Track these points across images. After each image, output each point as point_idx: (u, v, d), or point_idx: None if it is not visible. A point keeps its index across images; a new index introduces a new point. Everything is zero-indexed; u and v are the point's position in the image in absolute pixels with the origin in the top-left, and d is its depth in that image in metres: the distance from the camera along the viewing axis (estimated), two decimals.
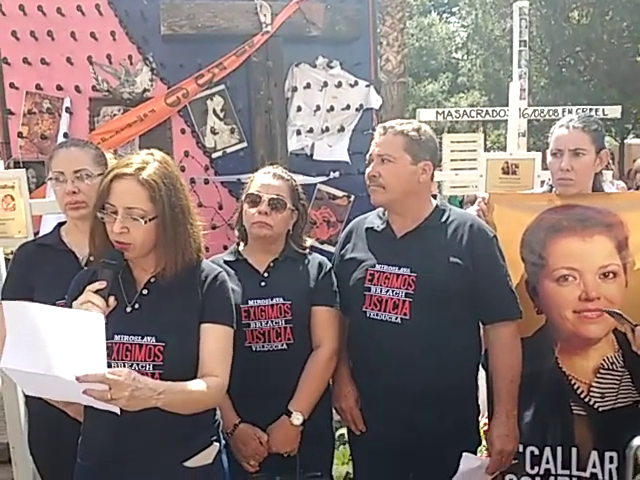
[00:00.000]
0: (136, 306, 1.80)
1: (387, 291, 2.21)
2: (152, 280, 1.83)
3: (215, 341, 1.80)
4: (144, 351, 1.74)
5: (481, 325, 2.31)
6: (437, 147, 2.30)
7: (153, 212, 1.73)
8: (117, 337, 1.74)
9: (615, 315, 2.14)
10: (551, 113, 5.53)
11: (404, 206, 2.25)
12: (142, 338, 1.75)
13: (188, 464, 1.81)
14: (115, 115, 3.54)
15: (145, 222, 1.72)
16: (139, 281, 1.83)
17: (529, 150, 6.44)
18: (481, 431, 2.42)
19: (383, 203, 2.26)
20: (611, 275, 2.35)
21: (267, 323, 2.21)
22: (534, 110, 5.60)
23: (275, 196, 2.24)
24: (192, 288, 1.83)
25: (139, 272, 1.84)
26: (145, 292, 1.82)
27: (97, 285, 1.70)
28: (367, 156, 2.29)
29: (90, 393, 1.47)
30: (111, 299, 1.72)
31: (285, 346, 2.21)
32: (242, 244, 2.37)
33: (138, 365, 1.71)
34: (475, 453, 2.34)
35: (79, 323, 1.53)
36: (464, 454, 2.19)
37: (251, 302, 2.22)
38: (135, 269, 1.84)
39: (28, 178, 2.83)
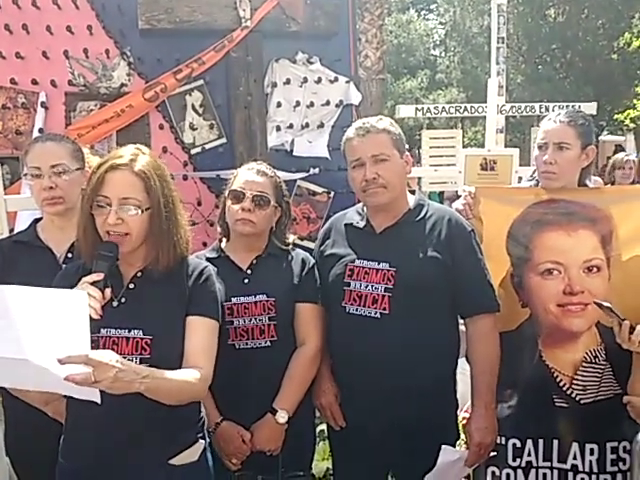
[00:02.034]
0: (122, 300, 1.80)
1: (366, 286, 2.22)
2: (138, 274, 1.83)
3: (200, 334, 1.79)
4: (131, 344, 1.73)
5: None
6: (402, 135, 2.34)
7: (147, 203, 1.74)
8: (104, 331, 1.74)
9: (604, 307, 2.16)
10: (528, 110, 5.59)
11: (395, 202, 2.26)
12: (129, 332, 1.74)
13: (174, 462, 1.80)
14: (92, 110, 3.47)
15: (142, 212, 1.73)
16: (125, 275, 1.83)
17: (506, 146, 6.49)
18: (460, 425, 2.43)
19: (386, 203, 2.24)
20: (595, 269, 2.37)
21: (250, 320, 2.20)
22: (512, 107, 5.66)
23: (259, 193, 2.22)
24: (178, 282, 1.83)
25: (125, 267, 1.83)
26: (132, 286, 1.82)
27: (94, 277, 1.69)
28: (352, 160, 2.26)
29: (72, 378, 1.43)
30: (107, 291, 1.71)
31: (269, 343, 2.20)
32: (224, 240, 2.35)
33: (125, 359, 1.68)
34: (454, 447, 2.36)
35: (60, 303, 1.49)
36: (443, 447, 2.20)
37: (234, 299, 2.20)
38: (122, 264, 1.82)
39: (2, 174, 2.77)
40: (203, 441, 1.90)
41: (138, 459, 1.74)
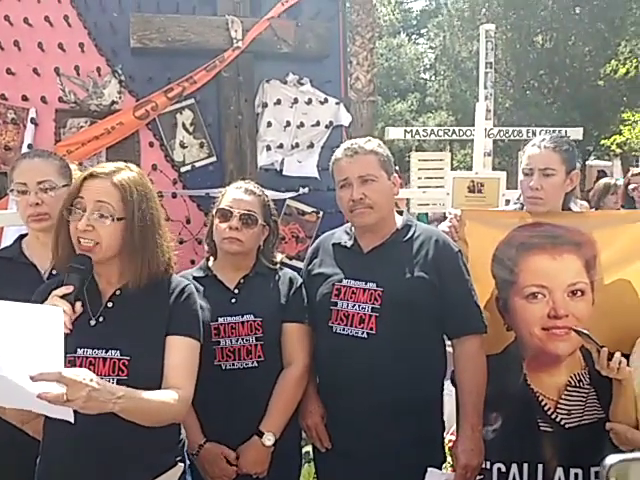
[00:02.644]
0: (100, 319, 1.76)
1: (353, 306, 2.22)
2: (117, 293, 1.79)
3: (180, 354, 1.76)
4: (108, 365, 1.70)
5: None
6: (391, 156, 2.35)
7: (122, 213, 1.72)
8: (80, 351, 1.71)
9: (582, 335, 2.17)
10: (515, 133, 5.64)
11: (383, 222, 2.26)
12: (106, 352, 1.71)
13: None
14: (82, 127, 3.47)
15: (113, 220, 1.70)
16: (104, 294, 1.80)
17: (494, 170, 6.55)
18: (446, 447, 2.42)
19: (372, 223, 2.25)
20: (579, 293, 2.39)
21: (237, 341, 2.18)
22: (499, 130, 5.71)
23: (246, 212, 2.22)
24: (158, 301, 1.79)
25: (104, 285, 1.80)
26: (110, 305, 1.78)
27: (63, 290, 1.66)
28: (340, 180, 2.27)
29: (45, 396, 1.40)
30: (78, 305, 1.68)
31: (256, 364, 2.18)
32: (212, 259, 2.34)
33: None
34: (440, 469, 2.34)
35: (35, 318, 1.46)
36: (429, 469, 2.18)
37: (221, 319, 2.19)
38: (100, 281, 1.80)
39: None
40: (182, 464, 1.86)
41: None
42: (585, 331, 2.16)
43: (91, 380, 1.47)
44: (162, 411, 1.67)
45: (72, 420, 1.48)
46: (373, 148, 2.25)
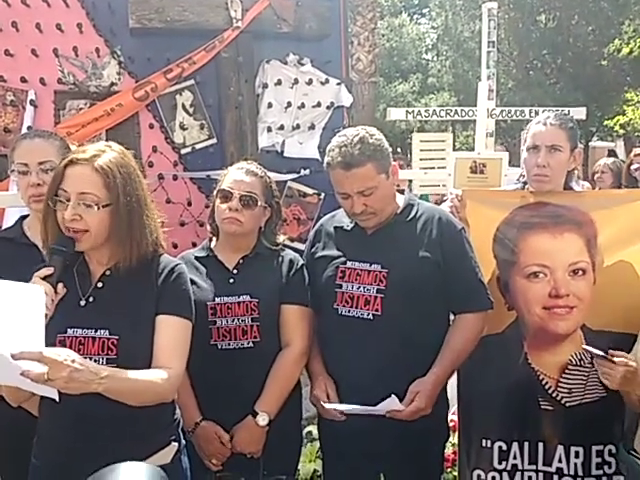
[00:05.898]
0: (90, 299, 1.77)
1: (358, 287, 2.21)
2: (107, 273, 1.79)
3: (170, 333, 1.76)
4: (97, 344, 1.71)
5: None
6: (385, 142, 2.24)
7: (107, 199, 1.70)
8: (70, 331, 1.72)
9: (598, 356, 2.07)
10: (518, 114, 5.60)
11: (384, 213, 2.25)
12: (95, 331, 1.72)
13: None
14: (81, 109, 3.46)
15: (98, 208, 1.69)
16: (94, 274, 1.80)
17: (495, 151, 6.51)
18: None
19: (376, 225, 2.24)
20: (580, 272, 2.38)
21: (233, 321, 2.18)
22: (502, 110, 5.67)
23: (246, 193, 2.21)
24: (148, 281, 1.79)
25: (95, 265, 1.80)
26: (100, 285, 1.79)
27: (44, 271, 1.66)
28: (339, 192, 2.21)
29: (27, 374, 1.41)
30: (59, 286, 1.68)
31: (251, 344, 2.18)
32: (214, 240, 2.34)
33: (91, 359, 1.66)
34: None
35: (16, 296, 1.46)
36: (392, 397, 2.10)
37: (218, 299, 2.19)
38: (91, 262, 1.80)
39: None
40: (176, 443, 1.86)
41: (108, 460, 1.71)
42: (601, 353, 2.05)
43: (73, 361, 1.47)
44: (149, 391, 1.67)
45: (57, 399, 1.48)
46: (368, 153, 2.13)
